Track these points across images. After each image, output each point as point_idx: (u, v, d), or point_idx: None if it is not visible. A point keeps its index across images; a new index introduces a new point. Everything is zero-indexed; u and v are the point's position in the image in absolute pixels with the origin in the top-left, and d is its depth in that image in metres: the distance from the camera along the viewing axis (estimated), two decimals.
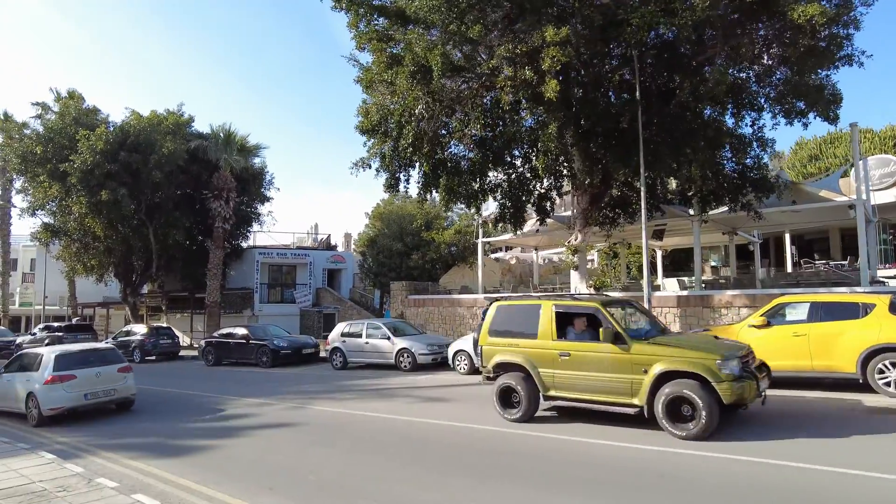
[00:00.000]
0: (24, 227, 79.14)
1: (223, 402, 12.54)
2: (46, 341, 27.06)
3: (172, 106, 33.59)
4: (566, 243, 16.63)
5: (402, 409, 10.76)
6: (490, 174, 20.83)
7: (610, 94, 15.18)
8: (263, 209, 33.14)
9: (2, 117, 37.69)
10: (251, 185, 31.31)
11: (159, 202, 27.57)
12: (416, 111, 14.84)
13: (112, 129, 26.59)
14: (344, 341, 17.80)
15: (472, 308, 21.24)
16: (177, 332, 26.50)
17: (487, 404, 9.49)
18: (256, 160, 31.45)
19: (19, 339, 29.10)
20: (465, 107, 15.70)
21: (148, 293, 34.11)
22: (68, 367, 11.17)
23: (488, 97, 15.88)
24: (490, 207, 23.74)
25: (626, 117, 13.23)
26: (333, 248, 37.05)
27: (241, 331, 20.79)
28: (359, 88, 17.36)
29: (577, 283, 16.23)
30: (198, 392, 14.20)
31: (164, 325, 27.82)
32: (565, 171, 17.24)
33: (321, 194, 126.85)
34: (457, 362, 15.44)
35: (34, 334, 28.67)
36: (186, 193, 29.63)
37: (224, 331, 21.77)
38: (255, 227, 33.40)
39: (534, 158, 17.25)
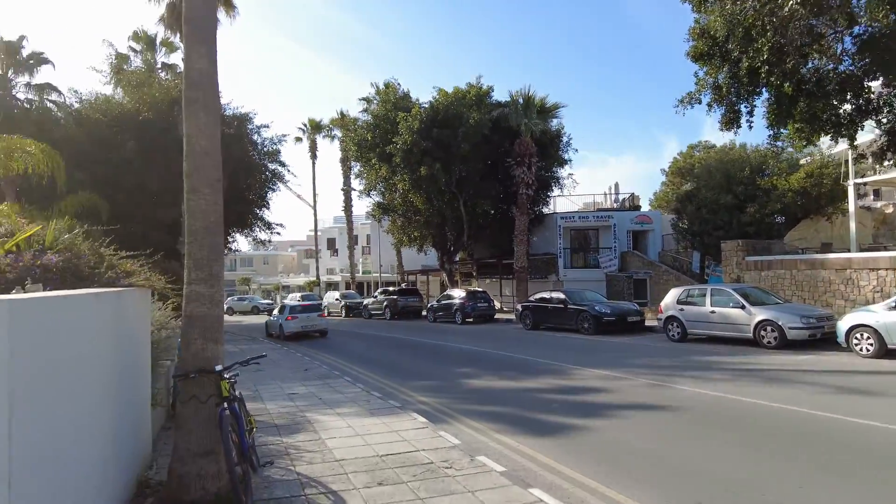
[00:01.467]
0: (360, 207, 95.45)
1: (565, 371, 11.48)
2: (385, 303, 31.01)
3: (472, 80, 34.84)
4: None
5: (802, 400, 8.00)
6: (873, 88, 15.67)
7: None
8: (563, 172, 32.28)
9: (339, 115, 44.77)
10: (550, 149, 30.52)
11: (466, 175, 28.76)
12: (788, 7, 11.24)
13: (424, 108, 28.58)
14: (681, 309, 15.29)
15: (843, 271, 16.36)
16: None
17: None
18: (554, 122, 30.51)
19: (365, 301, 34.18)
20: None
21: (460, 260, 36.57)
22: (293, 312, 21.68)
23: None
24: (866, 136, 18.05)
25: None
26: (637, 208, 34.15)
27: (559, 295, 19.97)
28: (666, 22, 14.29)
29: None
30: (531, 357, 13.55)
31: (480, 289, 29.12)
32: None
33: (604, 157, 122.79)
34: (854, 341, 11.58)
35: (375, 297, 33.26)
36: (490, 164, 30.35)
37: (540, 295, 21.30)
38: (556, 191, 32.77)
39: None
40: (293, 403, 9.07)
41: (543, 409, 8.39)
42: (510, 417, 7.92)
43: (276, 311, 24.24)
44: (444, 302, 26.71)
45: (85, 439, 3.56)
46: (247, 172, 28.29)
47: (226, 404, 4.66)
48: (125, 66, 30.37)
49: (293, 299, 32.74)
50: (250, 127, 29.29)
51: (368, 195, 33.98)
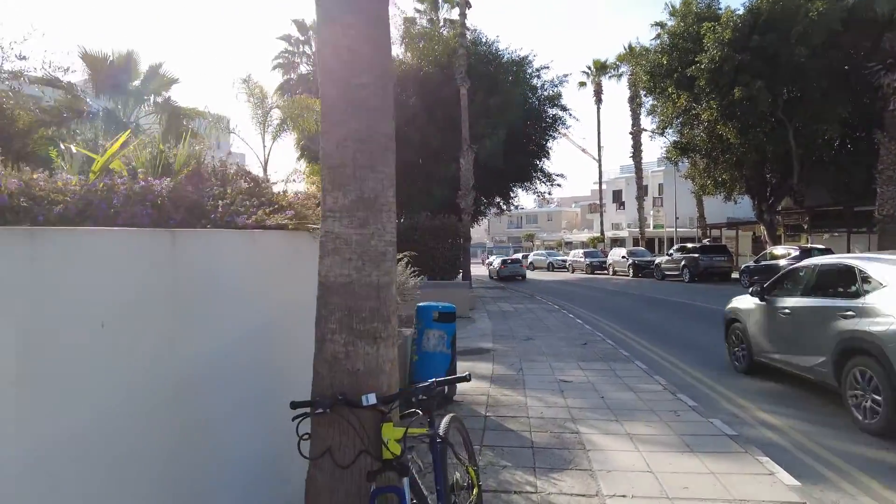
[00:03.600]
0: (650, 153, 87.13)
1: None
2: (682, 262, 26.23)
3: None
4: None
5: None
6: None
7: None
8: None
9: (627, 50, 39.70)
10: None
11: (800, 93, 21.68)
12: None
13: (738, 14, 22.29)
14: None
15: None
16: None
17: None
18: None
19: (657, 259, 29.68)
20: None
21: (783, 209, 28.90)
22: (504, 264, 33.56)
23: None
24: None
25: None
26: None
27: None
28: None
29: None
30: None
31: (820, 246, 22.07)
32: None
33: None
34: None
35: (670, 255, 28.49)
36: (837, 75, 22.36)
37: None
38: None
39: None
40: (563, 401, 6.44)
41: None
42: None
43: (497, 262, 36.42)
44: (764, 263, 20.87)
45: None
46: (525, 120, 26.46)
47: (397, 476, 2.21)
48: (412, 29, 31.29)
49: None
50: (528, 71, 27.27)
51: (662, 134, 29.03)
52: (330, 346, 2.32)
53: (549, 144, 28.23)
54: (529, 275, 37.31)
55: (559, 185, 31.18)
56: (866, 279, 5.63)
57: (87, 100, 14.79)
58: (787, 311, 6.73)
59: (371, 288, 2.32)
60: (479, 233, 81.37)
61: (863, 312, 5.40)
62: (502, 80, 25.59)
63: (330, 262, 2.31)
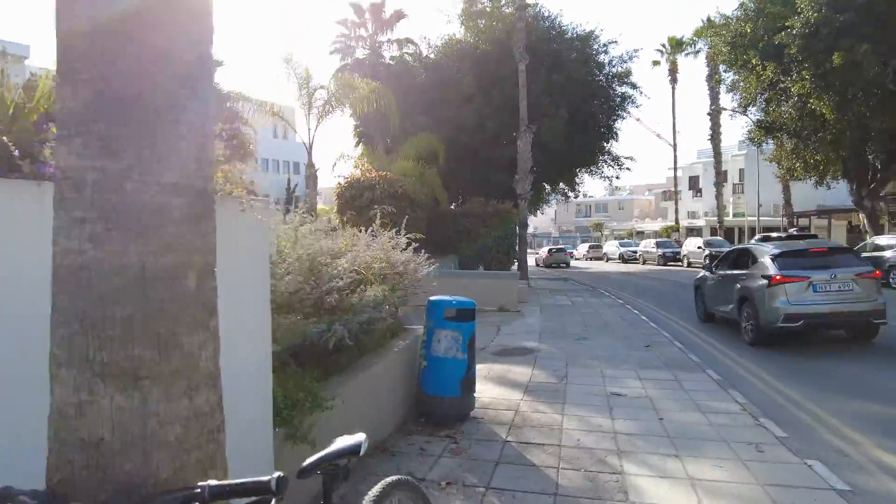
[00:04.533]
0: (730, 135, 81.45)
1: None
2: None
3: None
4: None
5: None
6: None
7: None
8: None
9: (705, 23, 36.60)
10: None
11: None
12: None
13: None
14: None
15: None
16: None
17: None
18: None
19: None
20: None
21: (888, 195, 25.51)
22: (550, 253, 37.62)
23: None
24: None
25: None
26: None
27: None
28: None
29: None
30: None
31: None
32: None
33: None
34: None
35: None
36: None
37: None
38: None
39: None
40: (610, 423, 5.16)
41: None
42: None
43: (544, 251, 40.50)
44: (866, 254, 18.23)
45: None
46: (591, 99, 24.60)
47: None
48: (472, 7, 29.97)
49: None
50: (594, 46, 25.34)
51: (744, 113, 26.27)
52: (57, 391, 1.22)
53: (617, 125, 26.21)
54: (595, 266, 35.88)
55: (628, 169, 28.98)
56: (753, 257, 9.26)
57: None
58: (719, 278, 10.48)
59: (127, 278, 1.18)
60: (545, 222, 79.06)
61: (749, 277, 9.05)
62: (565, 56, 23.86)
63: (57, 228, 1.22)
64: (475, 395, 5.30)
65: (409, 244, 5.34)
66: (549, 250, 39.11)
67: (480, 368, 7.39)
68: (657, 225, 55.07)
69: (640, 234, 56.23)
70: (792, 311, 8.07)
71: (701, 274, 11.94)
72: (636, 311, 13.28)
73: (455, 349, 4.89)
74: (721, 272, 10.40)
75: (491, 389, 6.33)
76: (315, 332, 3.54)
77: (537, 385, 6.54)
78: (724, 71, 27.41)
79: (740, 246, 12.61)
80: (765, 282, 8.41)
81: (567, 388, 6.43)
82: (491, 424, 5.07)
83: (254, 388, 2.69)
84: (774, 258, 8.60)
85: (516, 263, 20.31)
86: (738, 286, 9.18)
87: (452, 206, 21.83)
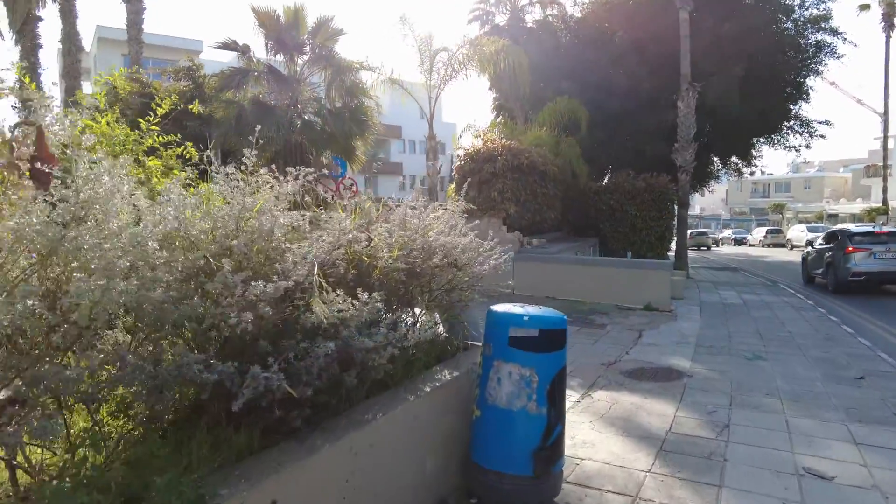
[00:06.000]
0: None
1: None
2: None
3: None
4: None
5: None
6: None
7: None
8: None
9: None
10: None
11: None
12: None
13: None
14: None
15: None
16: None
17: None
18: None
19: None
20: None
21: None
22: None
23: None
24: None
25: None
26: None
27: None
28: None
29: None
30: None
31: None
32: None
33: None
34: None
35: None
36: None
37: None
38: None
39: None
40: None
41: None
42: None
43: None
44: None
45: None
46: (774, 52, 20.05)
47: None
48: None
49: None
50: None
51: None
52: None
53: (808, 82, 21.23)
54: (776, 255, 30.60)
55: (822, 137, 23.57)
56: (838, 237, 13.48)
57: (257, 58, 14.30)
58: (816, 251, 14.88)
59: None
60: (713, 202, 70.60)
61: (835, 249, 13.32)
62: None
63: None
64: (564, 460, 3.27)
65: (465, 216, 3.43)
66: (691, 233, 36.21)
67: (600, 397, 5.32)
68: (856, 207, 45.81)
69: (833, 218, 47.16)
70: (857, 269, 12.45)
71: (806, 249, 16.55)
72: (834, 318, 9.92)
73: (525, 397, 2.92)
74: (818, 248, 14.75)
75: (604, 442, 4.25)
76: (211, 380, 1.87)
77: (680, 441, 4.30)
78: None
79: (832, 229, 15.39)
80: (842, 252, 12.77)
81: (728, 451, 4.12)
82: None
83: None
84: (850, 237, 12.92)
85: (672, 250, 17.19)
86: (827, 255, 13.66)
87: (599, 182, 19.12)
